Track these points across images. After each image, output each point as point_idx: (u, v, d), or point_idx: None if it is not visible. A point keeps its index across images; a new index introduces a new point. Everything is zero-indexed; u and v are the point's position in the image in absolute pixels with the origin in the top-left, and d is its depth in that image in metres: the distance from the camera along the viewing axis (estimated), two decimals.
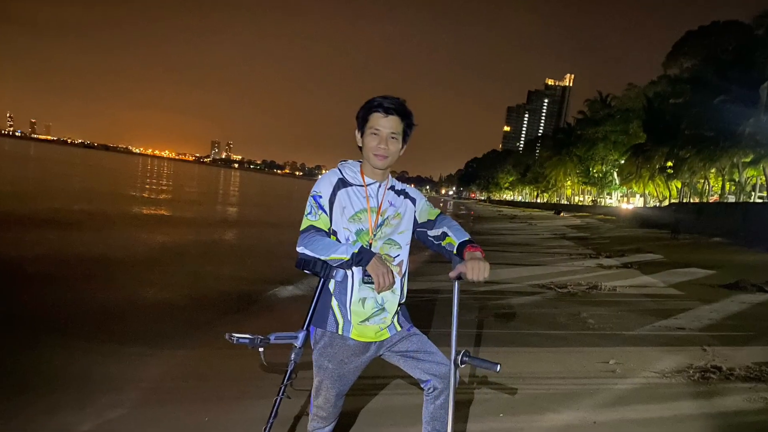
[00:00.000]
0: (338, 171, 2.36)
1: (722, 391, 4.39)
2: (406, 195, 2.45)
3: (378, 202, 2.34)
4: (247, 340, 2.16)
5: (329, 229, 2.29)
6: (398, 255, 2.35)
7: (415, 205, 2.45)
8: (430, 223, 2.43)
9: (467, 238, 2.32)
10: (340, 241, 2.26)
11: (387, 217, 2.34)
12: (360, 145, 2.34)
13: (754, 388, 4.45)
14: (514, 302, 7.93)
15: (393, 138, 2.29)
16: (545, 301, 8.20)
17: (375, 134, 2.27)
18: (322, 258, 2.21)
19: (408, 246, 2.40)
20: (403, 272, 2.36)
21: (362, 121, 2.31)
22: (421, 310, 6.73)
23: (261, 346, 2.19)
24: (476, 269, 2.12)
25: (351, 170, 2.36)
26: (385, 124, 2.26)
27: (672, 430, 3.70)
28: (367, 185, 2.35)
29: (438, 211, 2.49)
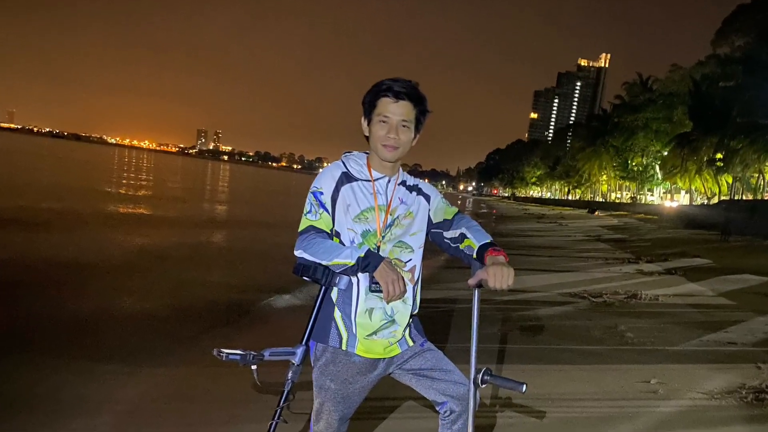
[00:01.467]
0: (342, 164, 2.34)
1: None
2: (420, 191, 2.43)
3: (387, 200, 2.32)
4: (238, 357, 2.12)
5: (331, 230, 2.27)
6: (410, 259, 2.33)
7: (429, 202, 2.43)
8: (447, 223, 2.41)
9: (489, 241, 2.29)
10: (343, 244, 2.25)
11: (397, 217, 2.32)
12: (366, 134, 2.33)
13: None
14: (542, 313, 7.93)
15: (404, 126, 2.27)
16: (577, 312, 8.19)
17: (384, 122, 2.25)
18: (324, 263, 2.20)
19: (421, 249, 2.38)
20: (415, 279, 2.34)
21: (369, 108, 2.29)
22: (436, 322, 6.72)
23: (254, 364, 2.15)
24: (499, 276, 2.09)
25: (356, 163, 2.34)
26: (395, 110, 2.24)
27: None
28: (374, 180, 2.33)
29: (455, 209, 2.47)
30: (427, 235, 2.43)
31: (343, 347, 2.25)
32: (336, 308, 2.27)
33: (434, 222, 2.42)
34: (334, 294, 2.29)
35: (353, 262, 2.15)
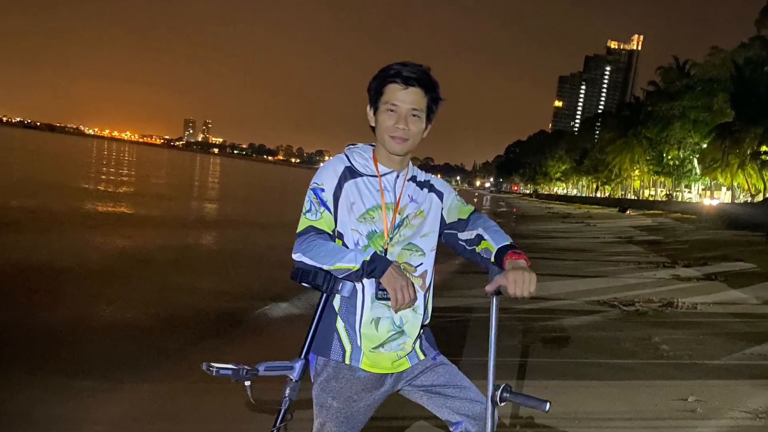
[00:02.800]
0: (345, 158, 2.33)
1: None
2: (432, 188, 2.42)
3: (395, 197, 2.31)
4: (229, 372, 2.10)
5: (334, 230, 2.27)
6: (421, 264, 2.32)
7: (442, 200, 2.42)
8: (462, 224, 2.39)
9: (508, 243, 2.27)
10: (347, 246, 2.24)
11: (407, 216, 2.31)
12: (372, 124, 2.32)
13: None
14: (567, 324, 7.95)
15: (414, 115, 2.25)
16: (607, 323, 8.20)
17: (392, 111, 2.24)
18: (325, 267, 2.19)
19: (433, 252, 2.36)
20: (426, 286, 2.33)
21: (375, 95, 2.27)
22: (450, 333, 6.72)
23: (247, 379, 2.12)
24: (520, 282, 2.07)
25: (361, 156, 2.33)
26: (404, 98, 2.22)
27: None
28: (381, 175, 2.31)
29: (471, 208, 2.45)
30: (439, 236, 2.41)
31: (347, 361, 2.24)
32: (338, 318, 2.26)
33: (448, 222, 2.40)
34: (336, 302, 2.27)
35: (358, 266, 2.13)
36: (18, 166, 39.83)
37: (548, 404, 2.03)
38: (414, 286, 2.19)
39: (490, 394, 2.11)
